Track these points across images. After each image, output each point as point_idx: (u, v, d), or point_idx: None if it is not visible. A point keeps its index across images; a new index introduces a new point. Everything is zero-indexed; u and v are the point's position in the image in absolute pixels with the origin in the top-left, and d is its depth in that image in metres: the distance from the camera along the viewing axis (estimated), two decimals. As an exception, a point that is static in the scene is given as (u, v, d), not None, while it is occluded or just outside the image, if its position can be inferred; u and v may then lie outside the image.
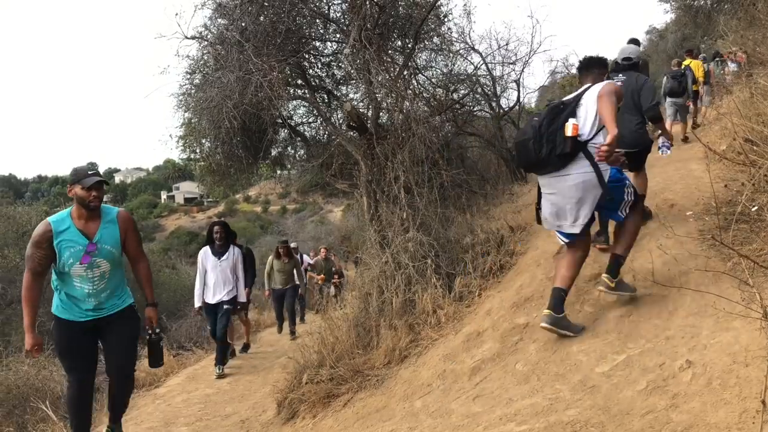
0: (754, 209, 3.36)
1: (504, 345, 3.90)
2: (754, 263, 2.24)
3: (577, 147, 3.34)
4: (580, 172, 3.36)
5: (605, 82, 3.54)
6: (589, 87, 3.55)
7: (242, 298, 7.32)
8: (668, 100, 9.53)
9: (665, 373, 2.73)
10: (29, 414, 6.05)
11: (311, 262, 12.97)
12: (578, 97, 3.51)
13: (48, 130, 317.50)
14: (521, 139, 3.52)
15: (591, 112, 3.39)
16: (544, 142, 3.37)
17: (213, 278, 7.09)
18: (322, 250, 13.16)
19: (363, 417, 3.86)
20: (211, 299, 7.13)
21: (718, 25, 11.30)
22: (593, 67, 3.81)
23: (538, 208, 3.68)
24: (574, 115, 3.41)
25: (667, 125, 8.47)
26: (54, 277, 3.69)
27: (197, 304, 7.27)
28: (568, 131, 3.31)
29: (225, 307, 7.02)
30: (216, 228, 7.21)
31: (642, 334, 3.30)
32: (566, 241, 3.64)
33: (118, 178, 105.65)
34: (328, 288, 12.19)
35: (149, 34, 7.42)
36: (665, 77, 9.70)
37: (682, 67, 9.83)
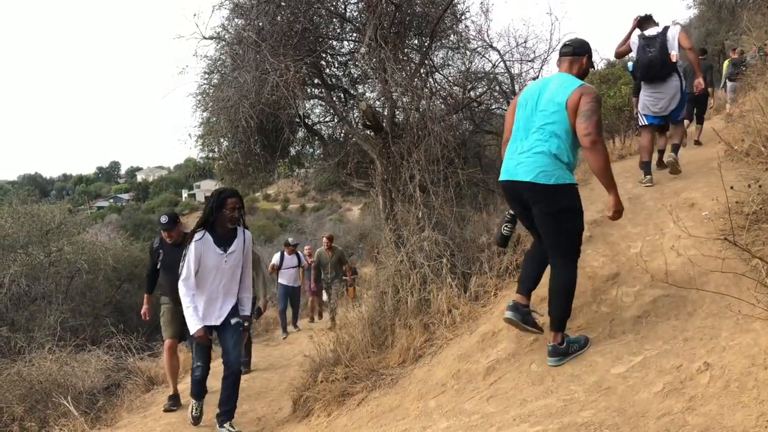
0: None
1: (519, 345, 3.87)
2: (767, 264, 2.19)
3: (673, 67, 5.74)
4: (674, 82, 5.82)
5: (678, 27, 5.90)
6: (666, 27, 5.82)
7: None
8: (729, 84, 11.44)
9: (682, 375, 2.69)
10: (51, 409, 6.15)
11: (309, 259, 11.59)
12: (663, 34, 5.76)
13: (73, 129, 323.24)
14: (648, 61, 5.77)
15: (676, 46, 5.69)
16: (659, 64, 5.72)
17: (214, 283, 4.54)
18: (324, 240, 11.00)
19: (377, 416, 3.86)
20: (213, 318, 4.58)
21: (742, 20, 11.13)
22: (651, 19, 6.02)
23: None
24: (666, 46, 5.69)
25: (728, 108, 11.11)
26: None
27: (198, 325, 4.43)
28: (673, 59, 5.69)
29: (234, 321, 4.62)
30: (231, 201, 4.44)
31: (659, 336, 3.26)
32: (675, 120, 6.13)
33: (140, 177, 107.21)
34: (342, 285, 10.53)
35: (171, 34, 7.50)
36: (727, 62, 11.59)
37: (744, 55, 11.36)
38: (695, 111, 9.43)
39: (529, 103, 3.47)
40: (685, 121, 9.71)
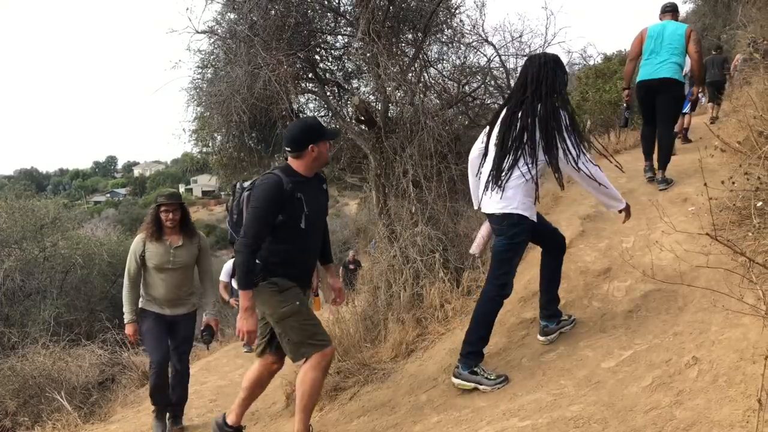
0: (758, 204, 3.29)
1: (510, 340, 3.88)
2: (751, 261, 2.19)
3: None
4: None
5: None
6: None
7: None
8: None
9: (671, 369, 2.69)
10: (44, 404, 6.15)
11: None
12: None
13: (69, 124, 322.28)
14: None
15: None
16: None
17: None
18: None
19: (368, 411, 3.86)
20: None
21: (737, 15, 11.12)
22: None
23: None
24: None
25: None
26: None
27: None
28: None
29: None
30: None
31: (650, 330, 3.26)
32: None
33: (137, 171, 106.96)
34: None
35: (166, 28, 7.46)
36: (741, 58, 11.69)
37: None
38: (716, 93, 10.52)
39: (656, 36, 5.51)
40: (709, 104, 11.00)
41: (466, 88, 8.34)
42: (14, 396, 6.34)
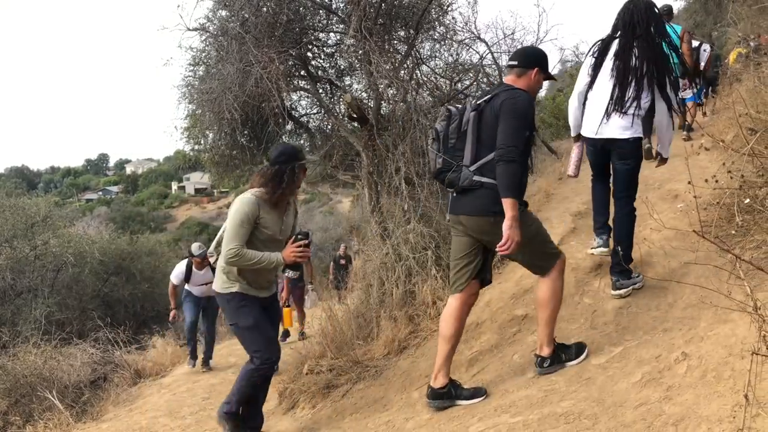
0: (746, 201, 3.31)
1: (502, 336, 3.90)
2: (737, 258, 2.21)
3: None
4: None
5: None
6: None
7: None
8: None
9: (661, 365, 2.71)
10: (36, 403, 6.12)
11: None
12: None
13: (60, 121, 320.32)
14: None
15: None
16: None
17: None
18: None
19: (361, 408, 3.87)
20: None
21: (728, 12, 11.16)
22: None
23: None
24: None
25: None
26: None
27: None
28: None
29: None
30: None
31: (640, 326, 3.29)
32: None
33: (129, 169, 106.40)
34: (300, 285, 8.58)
35: (158, 24, 7.43)
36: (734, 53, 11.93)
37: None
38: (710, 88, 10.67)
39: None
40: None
41: (459, 85, 8.34)
42: (5, 395, 6.31)
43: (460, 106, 3.16)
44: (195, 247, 6.97)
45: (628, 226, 3.65)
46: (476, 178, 3.01)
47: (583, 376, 2.97)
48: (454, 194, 3.13)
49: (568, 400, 2.75)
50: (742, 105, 4.92)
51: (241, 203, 3.50)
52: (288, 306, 7.02)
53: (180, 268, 7.06)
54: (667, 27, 6.01)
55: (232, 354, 8.04)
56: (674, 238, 3.99)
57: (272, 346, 3.67)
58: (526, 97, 3.04)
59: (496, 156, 2.92)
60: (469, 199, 3.05)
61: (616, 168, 3.69)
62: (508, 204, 2.86)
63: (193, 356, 7.33)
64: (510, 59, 3.25)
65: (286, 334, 8.20)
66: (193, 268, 6.95)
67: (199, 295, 7.07)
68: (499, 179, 2.90)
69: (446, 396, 3.20)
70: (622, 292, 3.68)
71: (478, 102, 3.09)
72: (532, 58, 3.16)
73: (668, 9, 6.59)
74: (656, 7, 3.63)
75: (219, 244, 3.64)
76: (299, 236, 3.64)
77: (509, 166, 2.88)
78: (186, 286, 7.12)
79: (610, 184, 3.90)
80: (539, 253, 3.16)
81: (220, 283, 3.62)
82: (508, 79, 3.17)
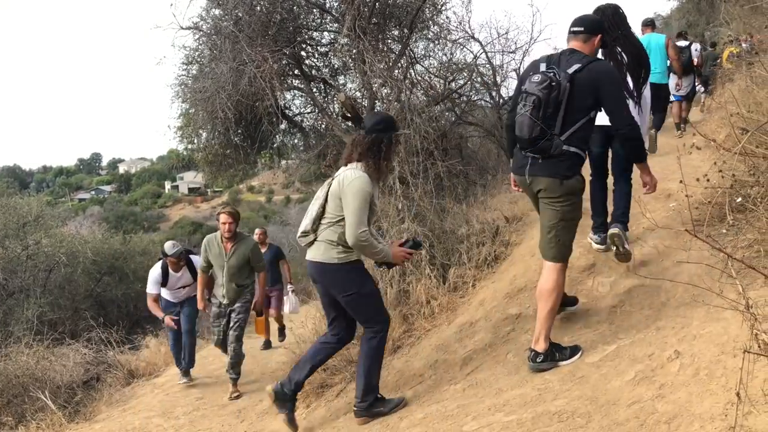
0: (738, 200, 3.33)
1: (496, 335, 3.90)
2: (729, 256, 2.22)
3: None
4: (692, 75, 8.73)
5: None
6: (691, 42, 7.98)
7: None
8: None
9: (654, 363, 2.73)
10: (28, 404, 6.09)
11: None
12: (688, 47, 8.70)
13: (53, 120, 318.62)
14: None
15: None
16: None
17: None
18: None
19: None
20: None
21: (720, 12, 11.23)
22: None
23: None
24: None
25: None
26: None
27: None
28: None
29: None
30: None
31: (633, 325, 3.30)
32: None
33: (122, 168, 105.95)
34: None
35: (151, 23, 7.41)
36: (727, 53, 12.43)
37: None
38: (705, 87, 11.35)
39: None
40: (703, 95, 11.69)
41: (453, 84, 8.36)
42: (-3, 396, 6.28)
43: (551, 74, 3.14)
44: (169, 246, 5.98)
45: (626, 202, 3.95)
46: (565, 147, 3.13)
47: (577, 375, 2.98)
48: (536, 158, 3.20)
49: (561, 399, 2.76)
50: (734, 104, 4.96)
51: (361, 182, 3.28)
52: (261, 315, 6.07)
53: (155, 272, 6.06)
54: (651, 36, 7.08)
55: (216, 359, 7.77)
56: (667, 237, 4.01)
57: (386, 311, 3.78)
58: (613, 67, 3.37)
59: (626, 133, 3.17)
60: (551, 163, 3.16)
61: (616, 152, 4.00)
62: (642, 166, 3.40)
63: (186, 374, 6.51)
64: (574, 25, 3.31)
65: (268, 344, 7.74)
66: (169, 270, 6.01)
67: (176, 300, 6.22)
68: (633, 151, 3.35)
69: (549, 358, 3.23)
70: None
71: (569, 72, 3.12)
72: (597, 25, 3.30)
73: (650, 21, 7.65)
74: (621, 10, 3.76)
75: (315, 220, 3.44)
76: (416, 243, 3.65)
77: (637, 140, 3.26)
78: (162, 293, 6.17)
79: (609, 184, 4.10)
80: (560, 239, 3.31)
81: (335, 253, 3.38)
82: (575, 44, 3.26)
